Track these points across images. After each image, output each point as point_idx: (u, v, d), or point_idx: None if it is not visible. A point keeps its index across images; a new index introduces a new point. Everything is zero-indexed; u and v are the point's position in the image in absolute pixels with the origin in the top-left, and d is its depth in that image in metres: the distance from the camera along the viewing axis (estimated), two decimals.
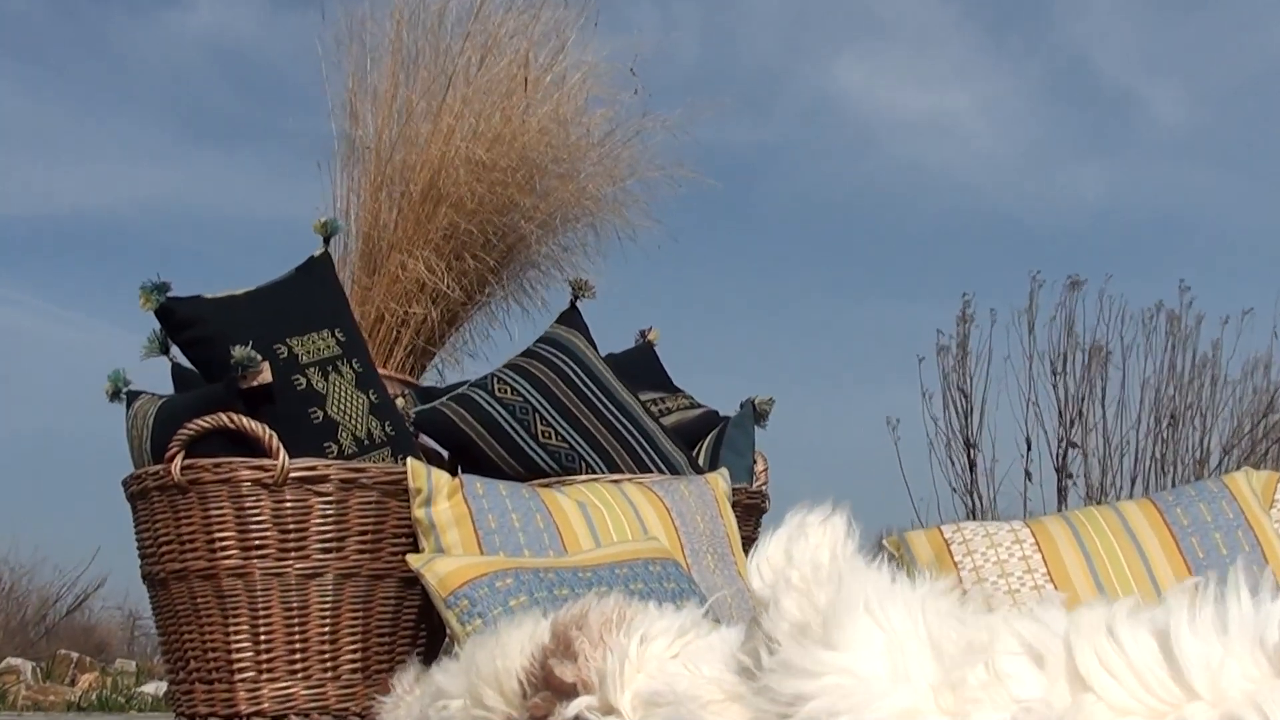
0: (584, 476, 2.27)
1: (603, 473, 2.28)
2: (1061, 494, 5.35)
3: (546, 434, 2.30)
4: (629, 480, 2.23)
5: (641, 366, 2.73)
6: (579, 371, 2.40)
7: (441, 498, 2.00)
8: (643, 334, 2.81)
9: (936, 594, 0.90)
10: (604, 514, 2.08)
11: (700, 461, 2.51)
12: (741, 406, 2.62)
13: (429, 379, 2.61)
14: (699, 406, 2.66)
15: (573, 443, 2.32)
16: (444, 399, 2.34)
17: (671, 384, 2.78)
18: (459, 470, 2.30)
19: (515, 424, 2.31)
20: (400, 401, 2.28)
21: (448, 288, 2.48)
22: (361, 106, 2.52)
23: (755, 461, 2.51)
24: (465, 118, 2.37)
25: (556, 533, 2.01)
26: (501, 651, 1.15)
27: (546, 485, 2.20)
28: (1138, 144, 7.10)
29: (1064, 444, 5.36)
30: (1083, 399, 5.35)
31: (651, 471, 2.33)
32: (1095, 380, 5.36)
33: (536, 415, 2.31)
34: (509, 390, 2.34)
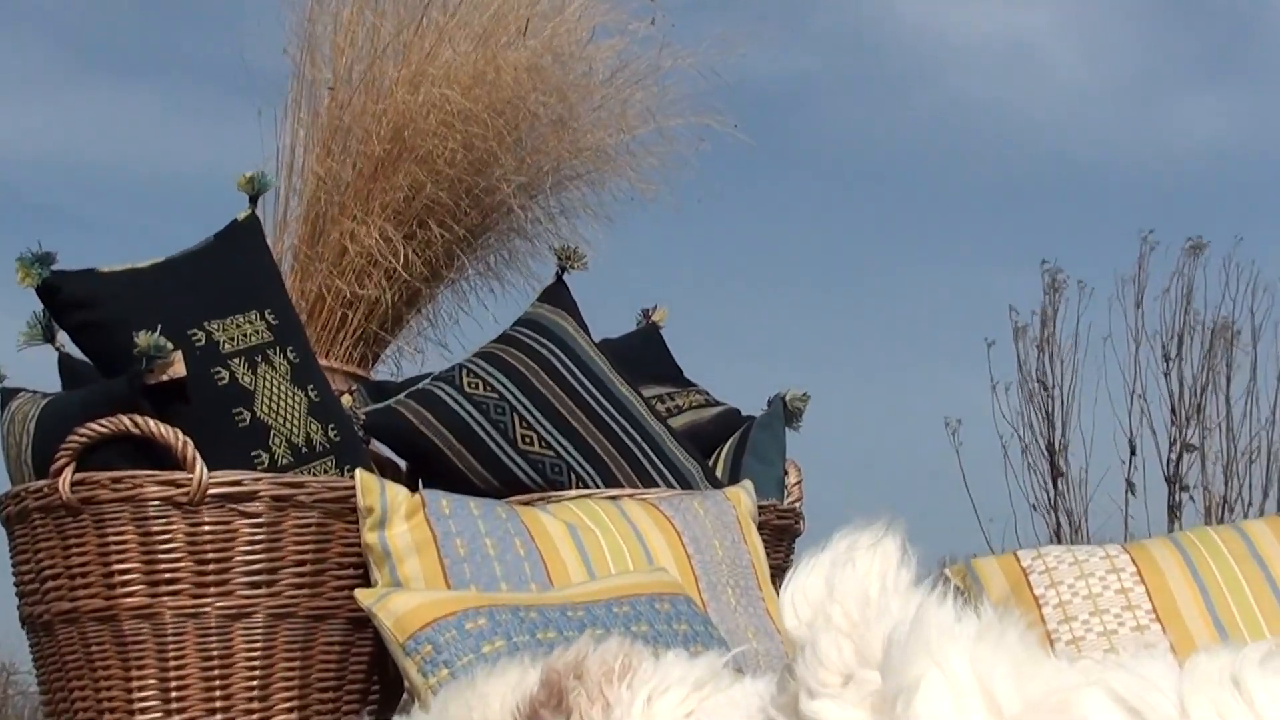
0: (574, 492, 2.31)
1: (597, 487, 2.33)
2: (1174, 511, 5.27)
3: (528, 439, 2.35)
4: (630, 496, 2.28)
5: (645, 354, 2.77)
6: (567, 361, 2.45)
7: (398, 519, 2.04)
8: (646, 314, 2.84)
9: (1010, 636, 0.90)
10: (599, 538, 2.12)
11: (718, 473, 2.56)
12: (769, 404, 2.65)
13: (382, 372, 2.68)
14: (716, 404, 2.71)
15: (560, 450, 2.37)
16: (401, 396, 2.37)
17: (682, 376, 2.81)
18: (420, 485, 2.34)
19: (489, 427, 2.35)
20: (347, 400, 2.32)
21: (407, 263, 2.52)
22: (318, 37, 2.54)
23: (786, 472, 2.55)
24: (440, 56, 2.46)
25: (540, 562, 2.04)
26: (481, 703, 1.16)
27: (528, 503, 2.24)
28: (1271, 72, 6.87)
29: (1178, 447, 5.25)
30: (1203, 391, 5.22)
31: (658, 485, 2.37)
32: (1219, 367, 5.22)
33: (515, 416, 2.35)
34: (481, 385, 2.38)
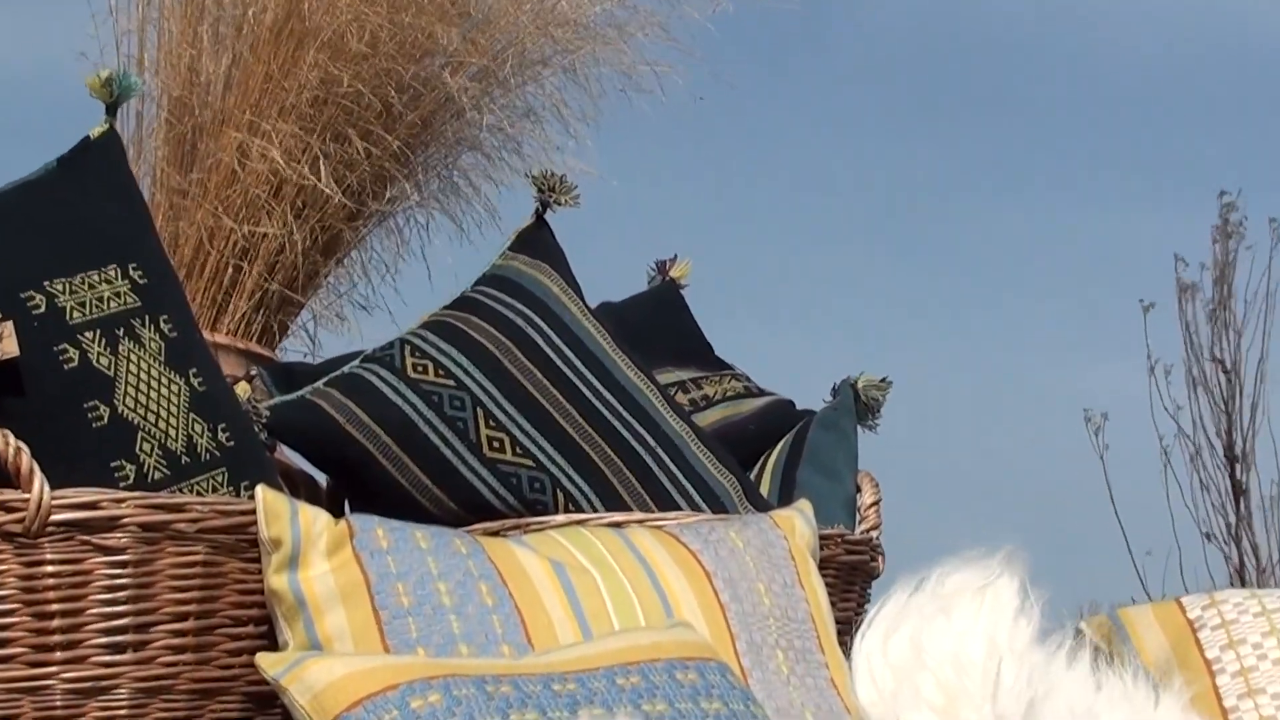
0: (562, 517, 2.33)
1: (594, 510, 2.37)
2: None
3: (496, 443, 2.38)
4: (640, 523, 2.30)
5: (661, 325, 2.79)
6: (551, 334, 2.49)
7: (317, 555, 2.05)
8: (662, 268, 2.86)
9: (1172, 711, 0.89)
10: (597, 582, 2.14)
11: (764, 489, 2.58)
12: (834, 394, 2.67)
13: (293, 350, 2.80)
14: (761, 394, 2.73)
15: (541, 458, 2.40)
16: (319, 384, 2.42)
17: (713, 355, 2.83)
18: (346, 507, 2.40)
19: (443, 426, 2.39)
20: (243, 389, 2.34)
21: (325, 186, 2.53)
22: None
23: (859, 489, 2.58)
24: None
25: (516, 614, 2.06)
26: None
27: (498, 533, 2.27)
28: None
29: None
30: None
31: (679, 507, 2.40)
32: None
33: (479, 411, 2.39)
34: (431, 368, 2.42)
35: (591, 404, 2.45)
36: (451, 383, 2.42)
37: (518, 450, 2.40)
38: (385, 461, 2.38)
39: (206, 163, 2.53)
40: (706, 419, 2.61)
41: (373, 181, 2.64)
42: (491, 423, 2.41)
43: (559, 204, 2.58)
